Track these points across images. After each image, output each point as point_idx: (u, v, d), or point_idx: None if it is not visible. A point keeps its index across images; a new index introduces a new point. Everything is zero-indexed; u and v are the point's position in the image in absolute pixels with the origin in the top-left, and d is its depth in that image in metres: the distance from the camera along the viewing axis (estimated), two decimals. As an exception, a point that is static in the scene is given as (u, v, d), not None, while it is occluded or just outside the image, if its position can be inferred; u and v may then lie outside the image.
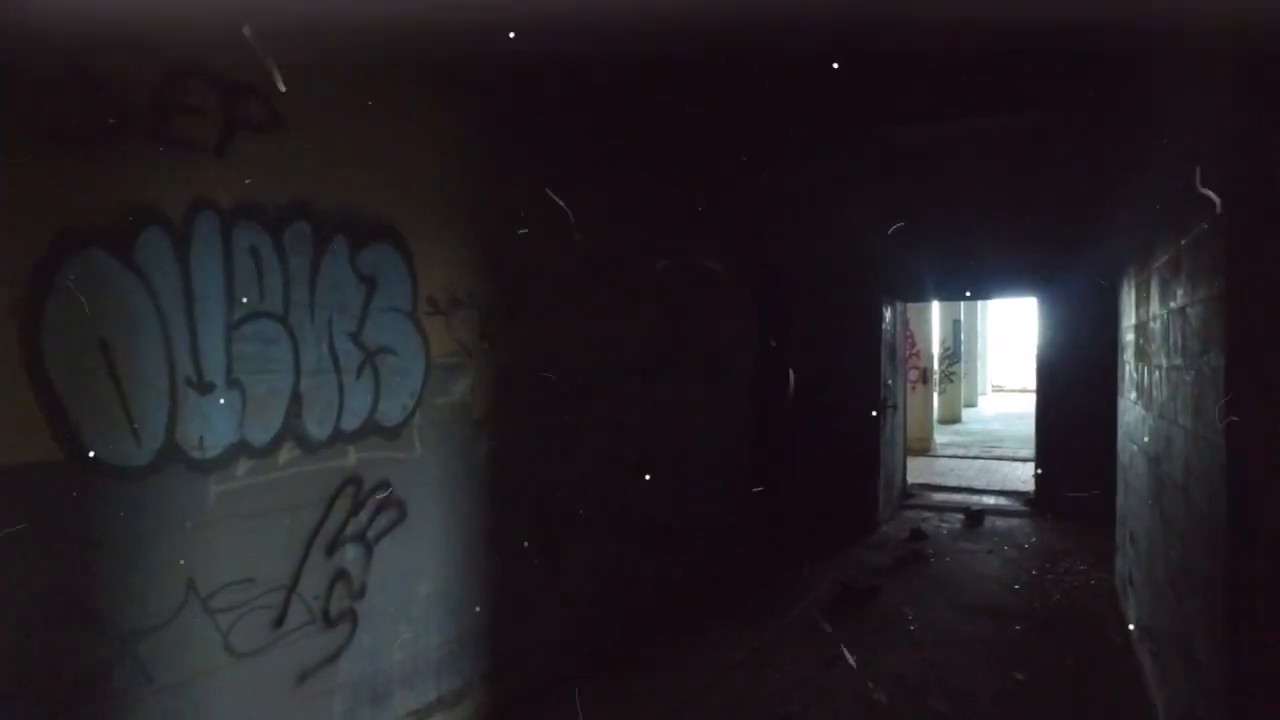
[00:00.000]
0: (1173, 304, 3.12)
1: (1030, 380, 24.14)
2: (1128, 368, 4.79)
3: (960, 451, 12.04)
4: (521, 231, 3.85)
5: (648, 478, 4.89)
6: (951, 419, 15.65)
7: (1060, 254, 7.29)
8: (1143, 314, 4.11)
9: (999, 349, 24.97)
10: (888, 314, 7.69)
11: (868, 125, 6.94)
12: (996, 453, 11.91)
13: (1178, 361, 3.02)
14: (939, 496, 8.78)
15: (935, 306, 13.50)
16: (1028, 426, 15.15)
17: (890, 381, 7.81)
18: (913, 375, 11.71)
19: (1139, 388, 4.28)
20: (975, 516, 7.56)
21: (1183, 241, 2.92)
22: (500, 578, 3.69)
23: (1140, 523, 4.13)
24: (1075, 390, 7.37)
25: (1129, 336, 4.69)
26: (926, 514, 7.98)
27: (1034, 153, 6.95)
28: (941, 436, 13.29)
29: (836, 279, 7.75)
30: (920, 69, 5.87)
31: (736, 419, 6.27)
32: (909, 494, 8.75)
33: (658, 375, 5.01)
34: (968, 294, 8.31)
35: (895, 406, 8.02)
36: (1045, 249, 7.35)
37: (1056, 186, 7.05)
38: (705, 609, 5.16)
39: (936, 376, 13.72)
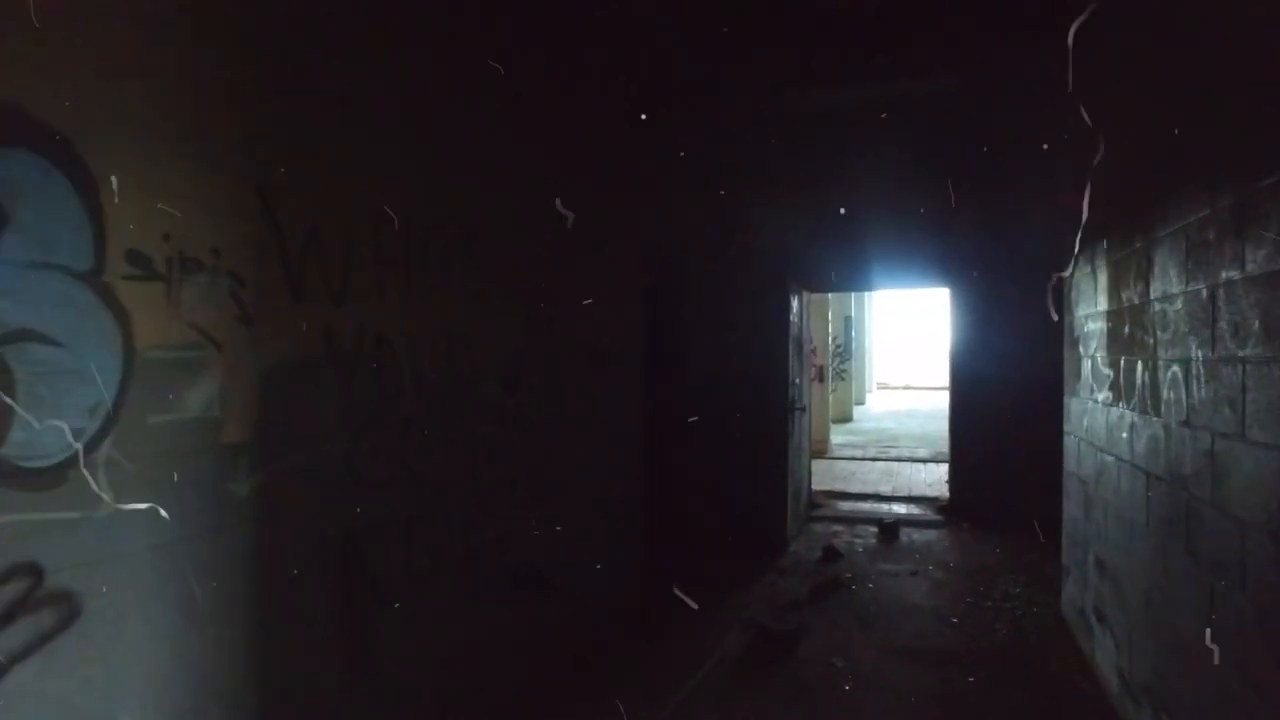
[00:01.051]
0: (1230, 274, 2.27)
1: (914, 377, 24.65)
2: (1090, 363, 4.04)
3: (858, 453, 11.49)
4: (320, 173, 2.61)
5: (512, 510, 3.73)
6: (843, 418, 15.24)
7: (982, 238, 6.64)
8: (1130, 296, 3.32)
9: (882, 345, 25.23)
10: (795, 304, 6.81)
11: (767, 84, 6.06)
12: (894, 453, 11.42)
13: (1246, 351, 2.16)
14: (846, 505, 8.04)
15: (831, 300, 12.96)
16: (920, 424, 15.04)
17: (798, 380, 6.95)
18: (811, 373, 11.03)
19: (1117, 387, 3.50)
20: (890, 529, 6.81)
21: (1262, 182, 2.05)
22: (275, 683, 2.44)
23: (1127, 555, 3.34)
24: (997, 389, 6.75)
25: (1095, 325, 3.94)
26: (836, 527, 7.18)
27: (958, 120, 6.25)
28: (836, 437, 12.74)
29: (739, 265, 6.82)
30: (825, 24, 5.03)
31: (624, 429, 5.18)
32: (815, 504, 7.95)
33: (524, 377, 3.85)
34: (878, 284, 7.58)
35: (804, 409, 7.17)
36: (964, 232, 6.68)
37: (984, 157, 6.38)
38: (593, 672, 4.05)
39: (830, 374, 13.16)
